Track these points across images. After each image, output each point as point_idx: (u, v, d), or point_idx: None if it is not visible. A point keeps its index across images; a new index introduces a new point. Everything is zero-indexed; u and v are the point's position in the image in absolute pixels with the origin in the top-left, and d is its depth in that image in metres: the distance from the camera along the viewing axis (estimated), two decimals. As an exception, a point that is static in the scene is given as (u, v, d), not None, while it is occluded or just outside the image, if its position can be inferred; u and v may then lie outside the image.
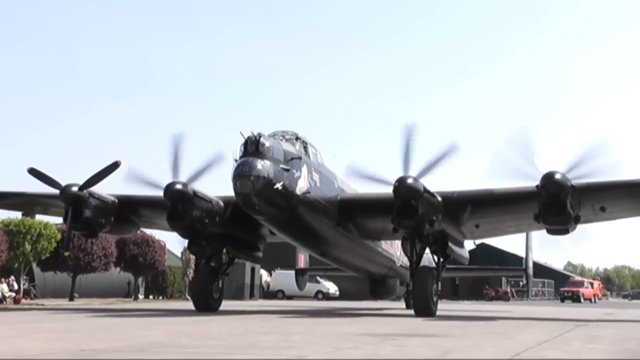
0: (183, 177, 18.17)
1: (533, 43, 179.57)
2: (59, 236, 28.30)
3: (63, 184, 19.17)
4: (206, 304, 19.15)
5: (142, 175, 18.65)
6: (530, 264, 33.78)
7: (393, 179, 17.27)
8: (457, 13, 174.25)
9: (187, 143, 18.21)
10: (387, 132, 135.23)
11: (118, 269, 36.64)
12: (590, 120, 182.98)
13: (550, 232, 17.98)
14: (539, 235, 19.42)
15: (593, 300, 58.62)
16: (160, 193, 18.22)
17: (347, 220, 19.28)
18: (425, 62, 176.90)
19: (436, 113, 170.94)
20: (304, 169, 17.29)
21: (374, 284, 26.64)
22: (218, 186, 18.90)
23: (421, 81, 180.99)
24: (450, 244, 19.83)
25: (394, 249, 22.93)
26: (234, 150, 16.33)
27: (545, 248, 18.53)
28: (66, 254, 26.07)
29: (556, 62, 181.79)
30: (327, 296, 48.37)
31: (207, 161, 18.14)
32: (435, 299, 18.59)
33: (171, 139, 18.19)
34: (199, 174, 18.21)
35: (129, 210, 20.55)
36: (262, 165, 15.71)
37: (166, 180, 18.14)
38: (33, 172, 19.16)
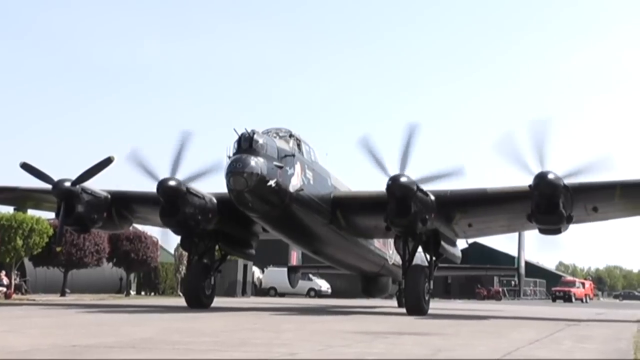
0: (180, 175, 18.09)
1: (530, 42, 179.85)
2: (51, 231, 28.22)
3: (56, 179, 19.10)
4: (198, 301, 19.11)
5: (143, 160, 18.38)
6: (522, 264, 33.72)
7: (391, 173, 17.26)
8: (453, 11, 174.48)
9: (194, 142, 18.11)
10: (383, 130, 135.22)
11: (110, 264, 36.59)
12: (587, 120, 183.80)
13: (542, 231, 18.00)
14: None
15: (584, 300, 58.82)
16: (153, 186, 18.16)
17: (340, 218, 19.26)
18: (421, 60, 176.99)
19: (431, 111, 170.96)
20: (298, 167, 17.26)
21: (366, 282, 26.64)
22: (213, 184, 18.89)
23: (415, 79, 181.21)
24: (442, 243, 19.87)
25: (386, 247, 22.93)
26: (228, 147, 16.30)
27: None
28: (58, 249, 26.02)
29: (552, 62, 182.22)
30: (319, 294, 48.40)
31: (205, 167, 18.08)
32: (427, 298, 18.62)
33: (179, 134, 18.08)
34: (196, 177, 18.17)
35: (122, 206, 20.49)
36: (256, 162, 15.67)
37: (162, 174, 18.09)
38: (25, 166, 19.08)
